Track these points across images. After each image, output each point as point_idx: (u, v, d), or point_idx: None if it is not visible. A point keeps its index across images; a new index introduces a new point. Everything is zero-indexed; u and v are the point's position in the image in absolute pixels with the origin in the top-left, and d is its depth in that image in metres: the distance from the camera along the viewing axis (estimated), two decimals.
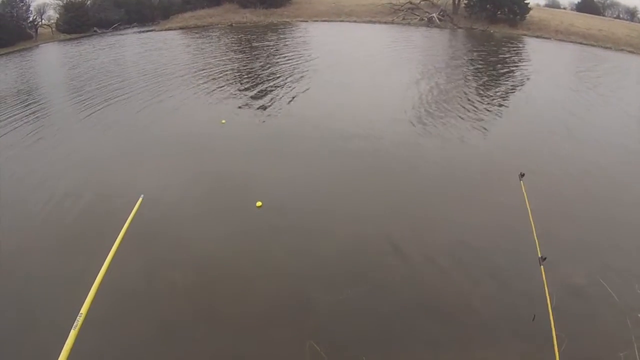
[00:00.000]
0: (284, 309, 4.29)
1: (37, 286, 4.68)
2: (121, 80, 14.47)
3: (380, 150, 8.03)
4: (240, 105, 11.17)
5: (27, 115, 11.14)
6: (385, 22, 28.94)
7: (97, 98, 12.25)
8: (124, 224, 2.60)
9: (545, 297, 3.17)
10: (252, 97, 11.86)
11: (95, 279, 1.96)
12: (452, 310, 4.26)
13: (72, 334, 1.59)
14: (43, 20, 32.33)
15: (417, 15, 28.94)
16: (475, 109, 10.70)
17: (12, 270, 4.97)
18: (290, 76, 14.09)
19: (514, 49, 21.15)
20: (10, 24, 27.36)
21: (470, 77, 14.22)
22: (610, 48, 23.69)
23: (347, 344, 3.88)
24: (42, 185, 7.02)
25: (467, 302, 4.36)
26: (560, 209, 6.17)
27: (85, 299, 1.78)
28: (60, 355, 1.49)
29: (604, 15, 38.85)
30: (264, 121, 9.89)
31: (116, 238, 2.38)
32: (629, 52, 23.07)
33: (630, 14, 40.41)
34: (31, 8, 30.84)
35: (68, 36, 30.15)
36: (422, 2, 29.78)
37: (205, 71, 15.30)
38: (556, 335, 2.89)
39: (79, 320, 1.66)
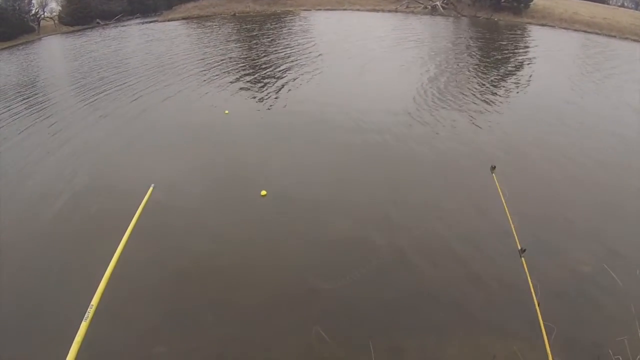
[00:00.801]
0: (290, 295, 4.35)
1: (47, 278, 4.71)
2: (123, 72, 14.48)
3: (381, 140, 8.05)
4: (243, 94, 11.18)
5: (28, 108, 11.21)
6: (389, 11, 28.84)
7: (100, 90, 12.29)
8: (133, 215, 2.61)
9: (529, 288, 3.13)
10: (255, 87, 11.86)
11: (105, 270, 1.96)
12: (452, 297, 4.34)
13: (84, 325, 1.59)
14: (45, 13, 32.28)
15: (421, 3, 28.80)
16: (475, 98, 10.69)
17: (21, 262, 5.01)
18: (293, 65, 14.08)
19: (518, 37, 21.07)
20: (12, 17, 27.34)
21: (471, 66, 14.14)
22: (614, 36, 23.58)
23: (353, 330, 3.95)
24: (48, 178, 7.06)
25: (463, 289, 4.44)
26: (540, 195, 6.23)
27: (95, 290, 1.80)
28: (72, 347, 1.49)
29: (608, 4, 38.54)
30: (267, 109, 9.91)
31: (126, 228, 2.40)
32: (634, 40, 22.97)
33: (635, 3, 40.08)
34: (33, 1, 30.80)
35: (71, 28, 30.17)
36: None
37: (207, 61, 15.28)
38: (544, 324, 2.85)
39: (90, 311, 1.65)
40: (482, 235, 5.29)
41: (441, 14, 27.50)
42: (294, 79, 12.36)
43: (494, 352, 3.68)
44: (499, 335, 3.89)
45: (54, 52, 22.80)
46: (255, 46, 17.80)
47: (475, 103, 10.30)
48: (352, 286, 4.42)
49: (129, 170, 7.07)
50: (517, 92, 11.54)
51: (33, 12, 30.46)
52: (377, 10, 29.08)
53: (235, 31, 22.86)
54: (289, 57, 15.35)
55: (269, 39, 19.19)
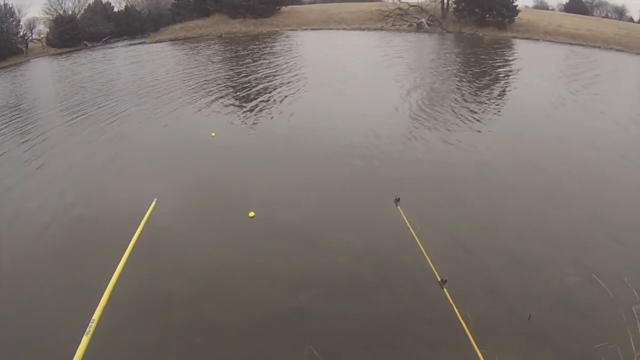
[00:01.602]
0: (280, 315, 4.32)
1: (49, 294, 4.74)
2: (108, 94, 14.44)
3: (367, 158, 8.02)
4: (229, 116, 11.13)
5: (18, 129, 11.23)
6: (375, 29, 29.11)
7: (87, 112, 12.24)
8: (134, 231, 2.61)
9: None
10: (241, 108, 11.82)
11: (107, 284, 1.99)
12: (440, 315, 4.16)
13: (85, 340, 1.61)
14: (33, 35, 32.45)
15: (406, 21, 29.09)
16: (451, 115, 10.68)
17: (23, 279, 5.04)
18: (279, 85, 14.07)
19: (502, 51, 21.26)
20: (0, 39, 27.37)
21: (452, 82, 14.22)
22: (599, 47, 23.83)
23: (345, 348, 3.91)
24: (49, 197, 7.12)
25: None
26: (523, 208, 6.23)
27: (97, 305, 1.81)
28: None
29: (592, 15, 39.17)
30: (254, 131, 9.87)
31: (128, 244, 2.40)
32: (618, 50, 23.20)
33: (619, 13, 40.78)
34: (21, 23, 30.99)
35: (59, 50, 30.25)
36: (410, 8, 29.99)
37: (194, 82, 15.29)
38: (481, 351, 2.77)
39: (92, 326, 1.68)
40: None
41: (427, 31, 27.76)
42: (280, 100, 12.30)
43: None
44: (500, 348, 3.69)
45: (42, 74, 22.79)
46: (241, 67, 17.83)
47: (450, 119, 10.30)
48: (343, 304, 4.42)
49: (122, 191, 7.10)
50: (495, 106, 11.58)
51: (21, 34, 30.60)
52: (363, 29, 29.34)
53: (221, 52, 22.95)
54: (275, 77, 15.36)
55: (254, 60, 19.23)
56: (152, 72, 17.89)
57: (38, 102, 14.85)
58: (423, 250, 3.64)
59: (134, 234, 2.56)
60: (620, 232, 5.57)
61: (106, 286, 1.99)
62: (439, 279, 3.23)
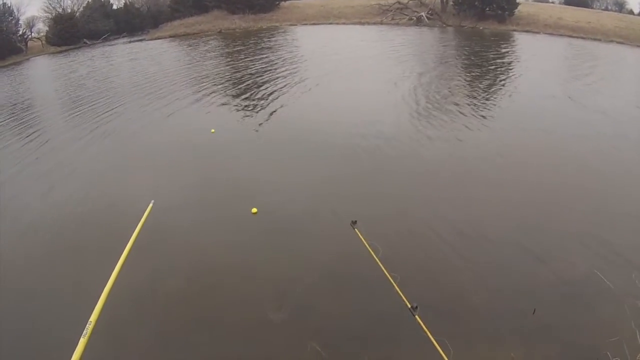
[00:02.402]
0: (284, 311, 4.30)
1: (46, 296, 4.71)
2: (108, 90, 14.46)
3: (368, 152, 7.98)
4: (229, 111, 11.10)
5: (17, 127, 11.23)
6: (375, 23, 29.01)
7: (86, 109, 12.22)
8: (131, 232, 2.59)
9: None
10: (240, 103, 11.77)
11: (104, 286, 1.98)
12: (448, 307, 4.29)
13: (82, 341, 1.61)
14: (33, 34, 32.42)
15: (406, 15, 28.99)
16: (453, 111, 10.64)
17: (19, 281, 5.02)
18: (279, 80, 14.02)
19: (502, 45, 21.17)
20: None
21: (452, 76, 14.17)
22: (599, 39, 23.72)
23: (348, 344, 3.88)
24: (45, 197, 7.08)
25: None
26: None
27: (94, 307, 1.80)
28: None
29: (592, 8, 38.96)
30: (254, 126, 9.80)
31: (125, 245, 2.39)
32: (618, 42, 23.09)
33: (619, 5, 40.54)
34: (20, 22, 30.92)
35: (58, 48, 30.23)
36: (410, 2, 29.85)
37: (193, 78, 15.25)
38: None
39: (89, 328, 1.67)
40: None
41: (426, 25, 27.67)
42: (280, 95, 12.26)
43: None
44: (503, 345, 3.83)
45: (42, 72, 22.77)
46: (240, 62, 17.77)
47: (451, 115, 10.24)
48: (347, 300, 4.38)
49: (121, 189, 7.05)
50: (494, 99, 11.52)
51: (20, 32, 30.54)
52: (363, 23, 29.24)
53: (220, 48, 22.92)
54: (274, 72, 15.31)
55: (254, 55, 19.18)
56: (151, 69, 17.87)
57: (36, 100, 14.88)
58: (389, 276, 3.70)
59: (131, 234, 2.55)
60: (627, 226, 5.53)
61: (103, 288, 1.98)
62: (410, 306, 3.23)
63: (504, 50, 19.52)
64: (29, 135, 10.36)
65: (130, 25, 35.73)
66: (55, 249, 5.59)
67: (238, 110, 11.15)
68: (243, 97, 12.44)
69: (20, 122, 11.83)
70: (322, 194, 6.58)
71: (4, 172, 8.21)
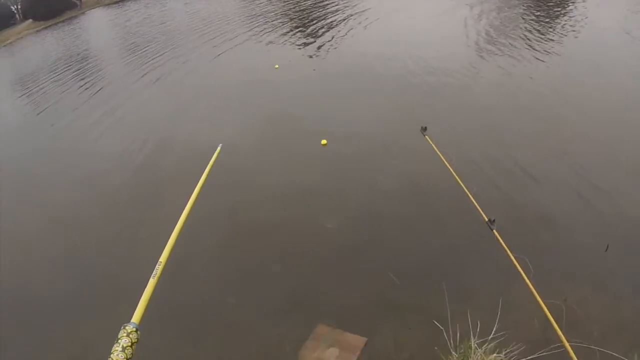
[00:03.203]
0: (357, 242, 4.23)
1: (117, 239, 4.92)
2: (168, 36, 14.56)
3: (439, 85, 7.33)
4: (292, 47, 10.79)
5: (83, 79, 11.68)
6: None
7: (150, 56, 12.44)
8: (201, 173, 2.54)
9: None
10: (303, 39, 11.34)
11: (173, 228, 1.96)
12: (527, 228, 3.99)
13: (152, 282, 1.63)
14: None
15: None
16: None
17: (91, 223, 5.32)
18: (342, 16, 13.19)
19: None
20: None
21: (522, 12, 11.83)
22: None
23: (424, 274, 3.76)
24: (115, 144, 7.35)
25: None
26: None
27: (164, 248, 1.80)
28: (139, 303, 1.54)
29: None
30: (318, 61, 9.49)
31: (194, 187, 2.36)
32: None
33: None
34: None
35: None
36: None
37: (253, 17, 14.88)
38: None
39: (158, 268, 1.70)
40: None
41: None
42: (344, 30, 11.54)
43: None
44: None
45: (100, 25, 23.10)
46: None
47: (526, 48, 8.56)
48: (420, 232, 4.22)
49: (190, 131, 7.18)
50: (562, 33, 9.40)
51: None
52: None
53: None
54: (339, 10, 14.20)
55: None
56: (207, 9, 17.61)
57: (97, 51, 15.30)
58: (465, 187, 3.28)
59: (200, 176, 2.49)
60: None
61: (172, 229, 1.94)
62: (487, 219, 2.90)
63: None
64: (96, 82, 10.72)
65: None
66: (125, 193, 5.83)
67: (300, 46, 10.78)
68: (307, 33, 11.96)
69: (86, 73, 12.24)
70: (392, 119, 6.34)
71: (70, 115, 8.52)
